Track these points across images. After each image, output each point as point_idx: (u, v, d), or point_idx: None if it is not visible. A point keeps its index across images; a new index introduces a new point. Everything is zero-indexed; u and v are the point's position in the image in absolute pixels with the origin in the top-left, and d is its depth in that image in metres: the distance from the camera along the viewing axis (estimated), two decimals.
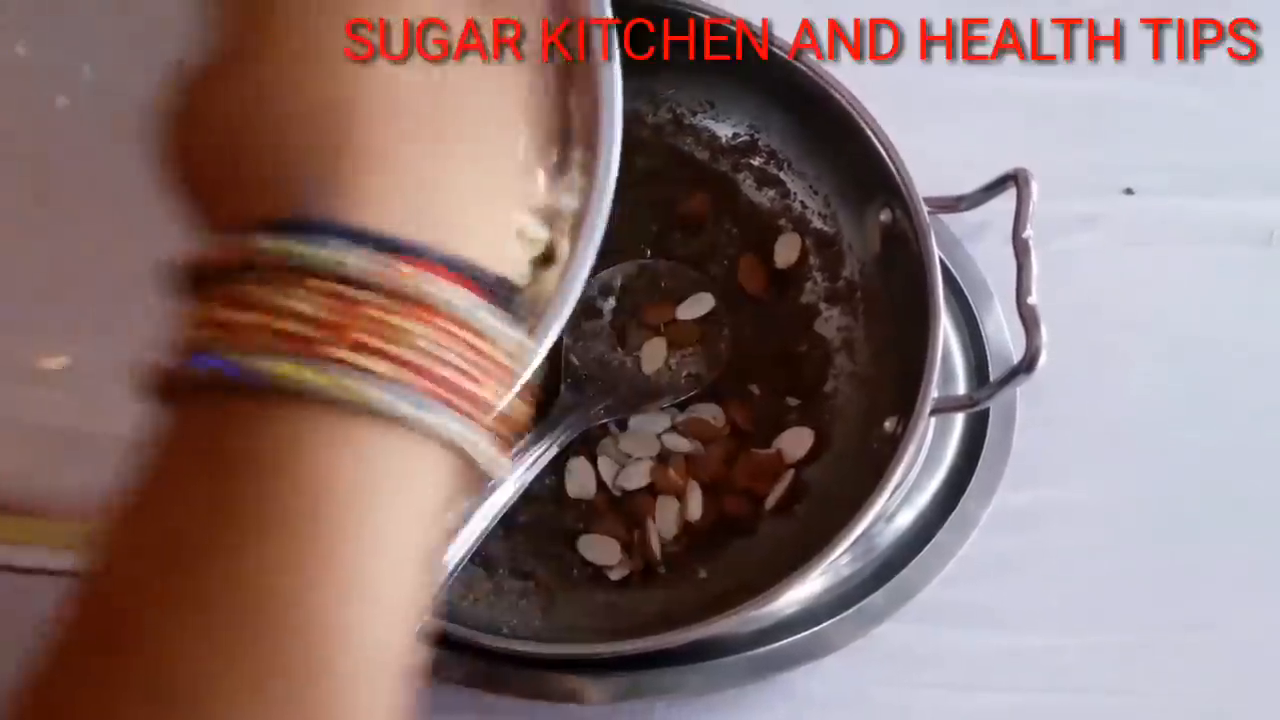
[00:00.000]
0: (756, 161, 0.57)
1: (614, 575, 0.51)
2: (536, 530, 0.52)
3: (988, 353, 0.55)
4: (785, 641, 0.50)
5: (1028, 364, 0.45)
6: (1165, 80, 0.63)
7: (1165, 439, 0.55)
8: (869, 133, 0.50)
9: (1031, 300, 0.46)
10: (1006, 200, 0.48)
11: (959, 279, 0.56)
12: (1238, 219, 0.59)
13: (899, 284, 0.51)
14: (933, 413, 0.46)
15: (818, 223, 0.56)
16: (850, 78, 0.51)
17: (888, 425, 0.48)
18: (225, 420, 0.22)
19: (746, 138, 0.57)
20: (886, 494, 0.45)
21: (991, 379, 0.53)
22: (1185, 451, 0.54)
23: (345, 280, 0.22)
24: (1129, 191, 0.60)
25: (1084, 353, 0.55)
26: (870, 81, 0.50)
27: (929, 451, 0.52)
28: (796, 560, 0.45)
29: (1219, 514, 0.53)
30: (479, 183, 0.25)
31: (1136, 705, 0.50)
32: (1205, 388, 0.56)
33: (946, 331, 0.48)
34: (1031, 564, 0.52)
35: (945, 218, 0.56)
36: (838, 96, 0.51)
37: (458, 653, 0.46)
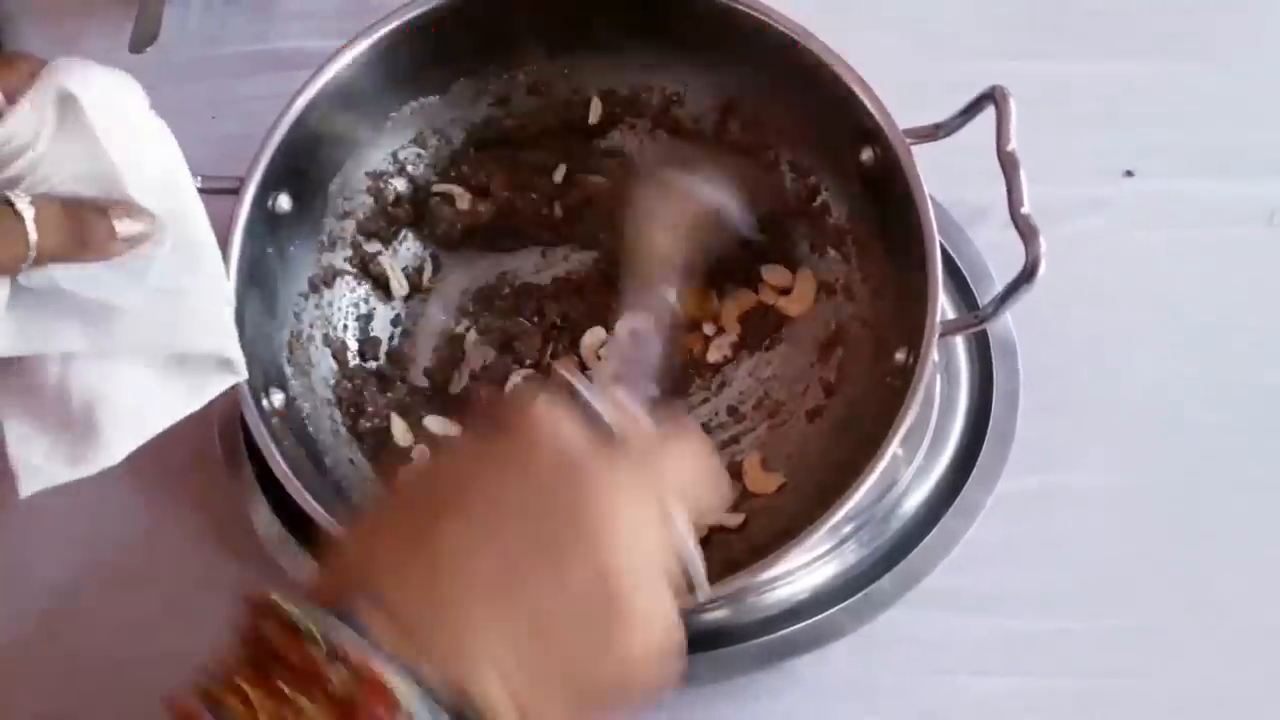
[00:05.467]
0: (734, 127, 0.57)
1: None
2: None
3: (989, 335, 0.54)
4: (792, 628, 0.50)
5: (1028, 274, 0.44)
6: (1164, 63, 0.63)
7: (1170, 421, 0.55)
8: (837, 72, 0.50)
9: (1025, 210, 0.45)
10: (1002, 187, 0.48)
11: (959, 263, 0.56)
12: (1239, 200, 0.59)
13: (889, 220, 0.51)
14: (942, 335, 0.45)
15: (800, 173, 0.56)
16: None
17: (899, 357, 0.48)
18: None
19: (726, 103, 0.57)
20: (909, 420, 0.44)
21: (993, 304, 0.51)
22: (1191, 433, 0.54)
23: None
24: (1129, 174, 0.60)
25: (1088, 335, 0.55)
26: (866, 69, 0.50)
27: (933, 435, 0.52)
28: (817, 510, 0.44)
29: (1226, 496, 0.53)
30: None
31: (1144, 689, 0.50)
32: (1210, 369, 0.56)
33: (944, 308, 0.47)
34: (1037, 548, 0.52)
35: (945, 202, 0.56)
36: (807, 45, 0.50)
37: None
